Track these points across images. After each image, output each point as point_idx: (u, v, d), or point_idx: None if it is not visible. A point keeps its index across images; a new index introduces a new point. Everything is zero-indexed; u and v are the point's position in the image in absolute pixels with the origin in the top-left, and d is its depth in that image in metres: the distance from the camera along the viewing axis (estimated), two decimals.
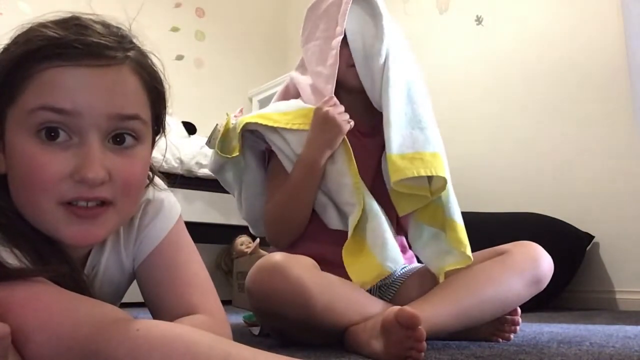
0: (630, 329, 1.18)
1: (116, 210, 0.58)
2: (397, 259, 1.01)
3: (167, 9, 3.37)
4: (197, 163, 2.43)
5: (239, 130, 1.14)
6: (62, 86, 0.53)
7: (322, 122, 1.07)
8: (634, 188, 1.96)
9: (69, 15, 0.58)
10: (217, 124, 1.23)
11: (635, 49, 1.96)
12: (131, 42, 0.61)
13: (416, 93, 1.13)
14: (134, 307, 1.27)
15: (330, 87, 1.12)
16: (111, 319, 0.48)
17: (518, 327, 1.02)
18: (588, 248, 2.00)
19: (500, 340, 1.01)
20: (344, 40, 1.12)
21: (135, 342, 0.45)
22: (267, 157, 1.22)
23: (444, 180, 1.05)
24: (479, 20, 2.58)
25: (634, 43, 1.97)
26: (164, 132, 0.67)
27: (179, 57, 3.34)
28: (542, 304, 1.81)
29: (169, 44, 3.23)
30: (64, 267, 0.56)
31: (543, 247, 1.05)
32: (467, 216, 2.11)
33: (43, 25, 0.56)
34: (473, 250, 1.13)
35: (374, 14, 1.14)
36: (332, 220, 1.10)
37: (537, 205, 2.13)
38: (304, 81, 1.22)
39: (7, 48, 0.56)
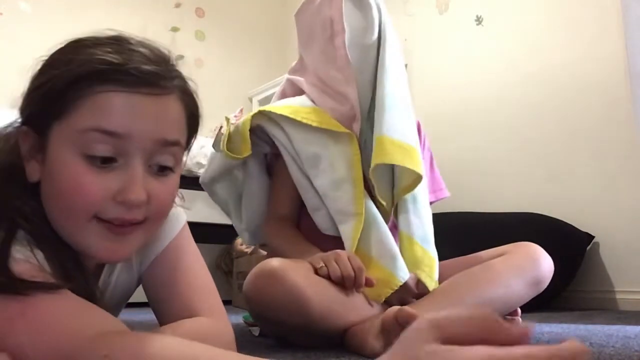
0: (630, 329, 1.18)
1: (144, 230, 0.60)
2: (405, 268, 1.00)
3: (167, 9, 3.37)
4: (197, 163, 2.43)
5: (248, 127, 1.10)
6: (116, 110, 0.54)
7: (330, 256, 0.95)
8: (634, 188, 1.96)
9: (115, 34, 0.60)
10: (220, 126, 1.22)
11: (635, 50, 1.96)
12: (175, 68, 0.63)
13: (407, 82, 1.13)
14: (135, 308, 1.27)
15: (352, 90, 1.09)
16: (94, 334, 0.48)
17: None
18: (588, 248, 2.00)
19: None
20: None
21: None
22: (269, 163, 1.20)
23: (415, 179, 1.04)
24: (479, 20, 2.58)
25: (634, 43, 1.97)
26: (188, 151, 0.68)
27: (179, 57, 3.30)
28: (542, 304, 1.81)
29: (169, 44, 3.21)
30: (80, 276, 0.57)
31: (543, 247, 1.06)
32: (467, 216, 2.14)
33: (97, 46, 0.57)
34: (473, 251, 1.13)
35: (362, 6, 1.13)
36: (325, 225, 1.08)
37: (537, 205, 2.13)
38: (306, 83, 1.20)
39: (58, 63, 0.57)
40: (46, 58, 0.59)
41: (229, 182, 1.22)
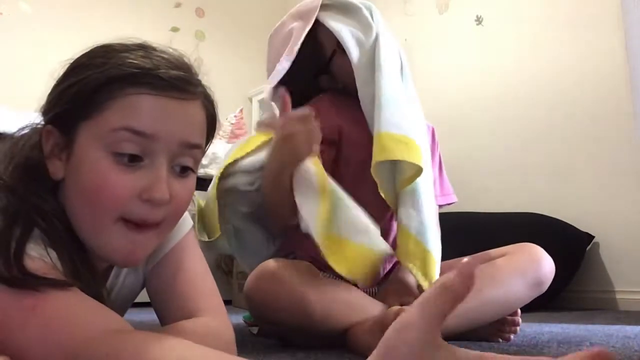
0: (630, 329, 1.18)
1: (159, 232, 0.62)
2: (383, 240, 0.95)
3: (167, 9, 3.37)
4: None
5: (214, 203, 1.06)
6: (145, 112, 0.57)
7: (284, 141, 0.93)
8: (634, 188, 1.96)
9: (139, 42, 0.63)
10: (189, 209, 1.17)
11: (635, 50, 1.97)
12: (198, 76, 0.66)
13: (408, 73, 1.13)
14: (135, 308, 1.27)
15: (268, 99, 1.08)
16: (99, 332, 0.49)
17: (518, 328, 1.02)
18: (588, 248, 2.00)
19: (500, 340, 1.01)
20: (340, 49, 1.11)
21: None
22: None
23: (416, 172, 1.02)
24: (479, 20, 2.58)
25: (634, 44, 1.97)
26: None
27: (199, 60, 3.34)
28: (542, 304, 1.81)
29: (169, 44, 3.21)
30: (89, 277, 0.58)
31: (543, 247, 1.06)
32: (467, 216, 2.14)
33: (127, 51, 0.60)
34: (474, 251, 1.13)
35: (350, 10, 1.13)
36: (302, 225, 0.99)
37: (537, 205, 2.13)
38: None
39: (89, 65, 0.59)
40: (72, 61, 0.61)
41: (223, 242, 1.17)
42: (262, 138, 1.08)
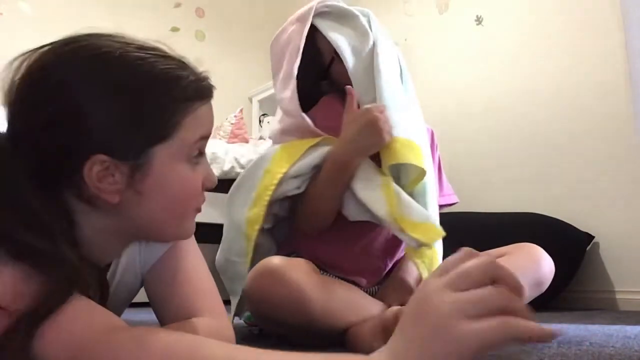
0: (630, 329, 1.18)
1: None
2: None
3: (167, 9, 3.37)
4: None
5: (253, 233, 1.06)
6: (207, 119, 0.65)
7: (368, 125, 0.99)
8: (634, 188, 1.96)
9: (151, 45, 0.66)
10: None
11: (635, 50, 1.97)
12: None
13: (408, 77, 1.14)
14: (135, 308, 1.27)
15: (294, 106, 1.11)
16: (99, 332, 0.50)
17: None
18: (588, 248, 2.00)
19: None
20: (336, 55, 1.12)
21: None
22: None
23: (419, 174, 1.04)
24: (479, 20, 2.58)
25: (634, 44, 1.97)
26: None
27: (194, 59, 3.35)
28: (542, 304, 1.81)
29: (169, 44, 3.22)
30: (86, 277, 0.58)
31: (543, 247, 1.06)
32: (467, 216, 2.14)
33: (180, 67, 0.64)
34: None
35: (347, 17, 1.14)
36: (352, 212, 1.05)
37: (537, 205, 2.14)
38: (277, 122, 1.22)
39: (150, 90, 0.59)
40: (110, 83, 0.58)
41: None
42: (305, 144, 1.09)
